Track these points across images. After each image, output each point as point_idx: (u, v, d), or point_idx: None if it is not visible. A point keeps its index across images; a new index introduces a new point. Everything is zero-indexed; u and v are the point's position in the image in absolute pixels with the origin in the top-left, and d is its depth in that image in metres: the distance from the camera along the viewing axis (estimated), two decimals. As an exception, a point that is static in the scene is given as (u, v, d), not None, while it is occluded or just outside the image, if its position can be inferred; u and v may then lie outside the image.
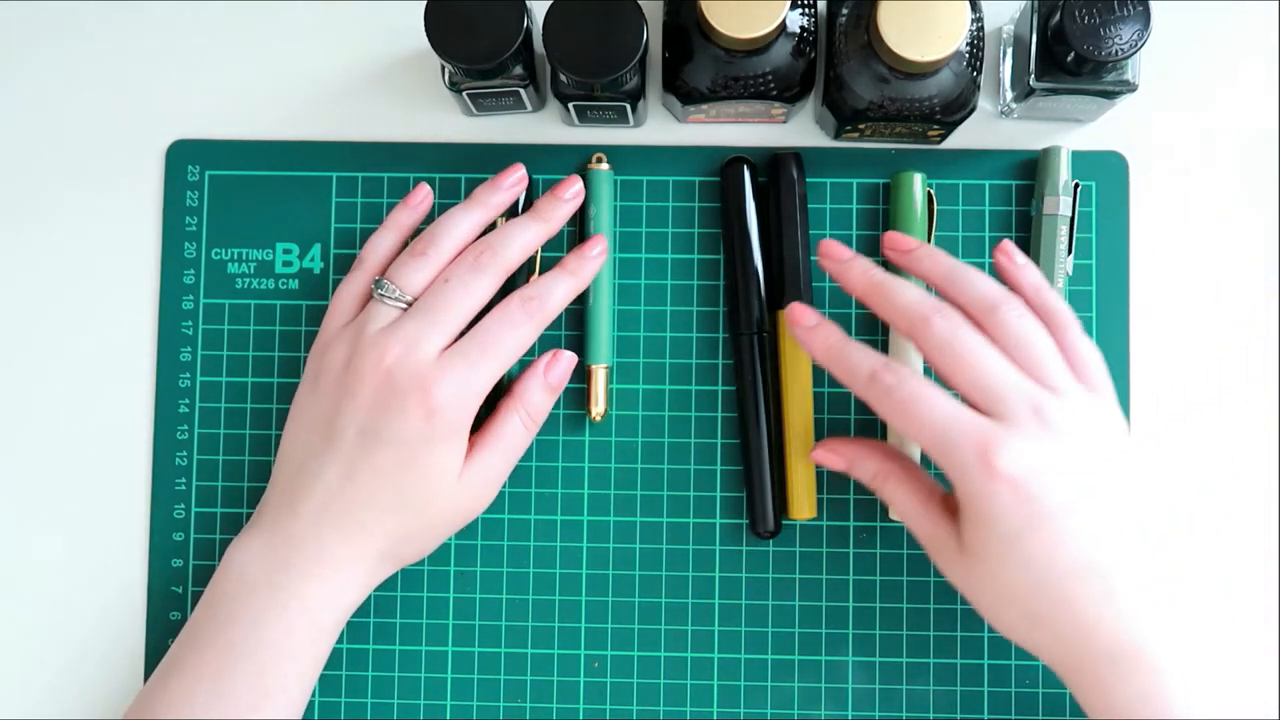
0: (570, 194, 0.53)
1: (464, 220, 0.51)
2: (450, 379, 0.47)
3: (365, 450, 0.47)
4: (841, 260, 0.50)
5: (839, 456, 0.50)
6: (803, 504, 0.53)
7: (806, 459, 0.53)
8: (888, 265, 0.53)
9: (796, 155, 0.54)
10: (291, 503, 0.48)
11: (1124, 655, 0.44)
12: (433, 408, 0.47)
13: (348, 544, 0.48)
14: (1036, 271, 0.50)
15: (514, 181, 0.53)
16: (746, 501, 0.54)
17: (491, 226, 0.53)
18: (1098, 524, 0.45)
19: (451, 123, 0.56)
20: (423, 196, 0.53)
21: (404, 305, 0.49)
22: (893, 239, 0.51)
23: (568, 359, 0.52)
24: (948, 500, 0.48)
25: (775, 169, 0.54)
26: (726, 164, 0.54)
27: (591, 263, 0.52)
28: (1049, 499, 0.44)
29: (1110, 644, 0.44)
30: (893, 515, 0.51)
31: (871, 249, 0.55)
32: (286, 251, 0.56)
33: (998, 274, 0.50)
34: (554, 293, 0.51)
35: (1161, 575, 0.45)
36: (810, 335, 0.50)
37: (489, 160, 0.56)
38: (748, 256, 0.53)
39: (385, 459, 0.47)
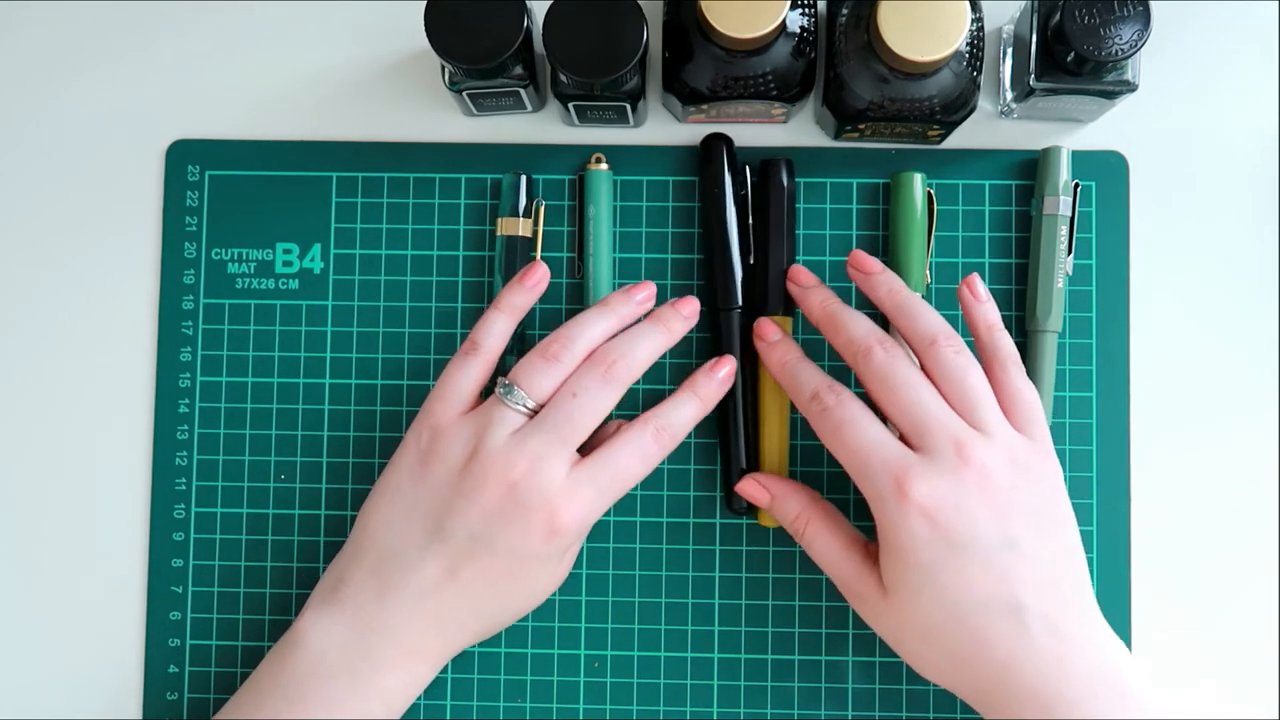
0: (688, 312, 0.52)
1: (595, 325, 0.50)
2: (578, 505, 0.47)
3: (474, 556, 0.47)
4: (804, 287, 0.52)
5: (764, 491, 0.51)
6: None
7: (780, 470, 0.54)
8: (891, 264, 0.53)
9: (788, 160, 0.54)
10: (381, 590, 0.47)
11: (1041, 696, 0.44)
12: (557, 529, 0.47)
13: (440, 638, 0.48)
14: (994, 310, 0.50)
15: (646, 297, 0.52)
16: (721, 476, 0.54)
17: None
18: (1013, 561, 0.45)
19: (451, 123, 0.56)
20: (539, 277, 0.51)
21: (527, 413, 0.48)
22: (858, 259, 0.52)
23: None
24: (869, 548, 0.49)
25: (765, 173, 0.54)
26: (706, 139, 0.54)
27: (718, 386, 0.51)
28: (962, 531, 0.45)
29: (1029, 684, 0.44)
30: (813, 558, 0.51)
31: (871, 249, 0.55)
32: (286, 251, 0.56)
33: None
34: (682, 419, 0.50)
35: (1086, 620, 0.46)
36: (769, 349, 0.52)
37: (489, 160, 0.56)
38: (725, 235, 0.53)
39: (495, 567, 0.47)
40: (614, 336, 0.51)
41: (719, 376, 0.51)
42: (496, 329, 0.50)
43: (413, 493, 0.48)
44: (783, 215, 0.54)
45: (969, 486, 0.45)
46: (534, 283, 0.51)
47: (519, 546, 0.47)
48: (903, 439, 0.47)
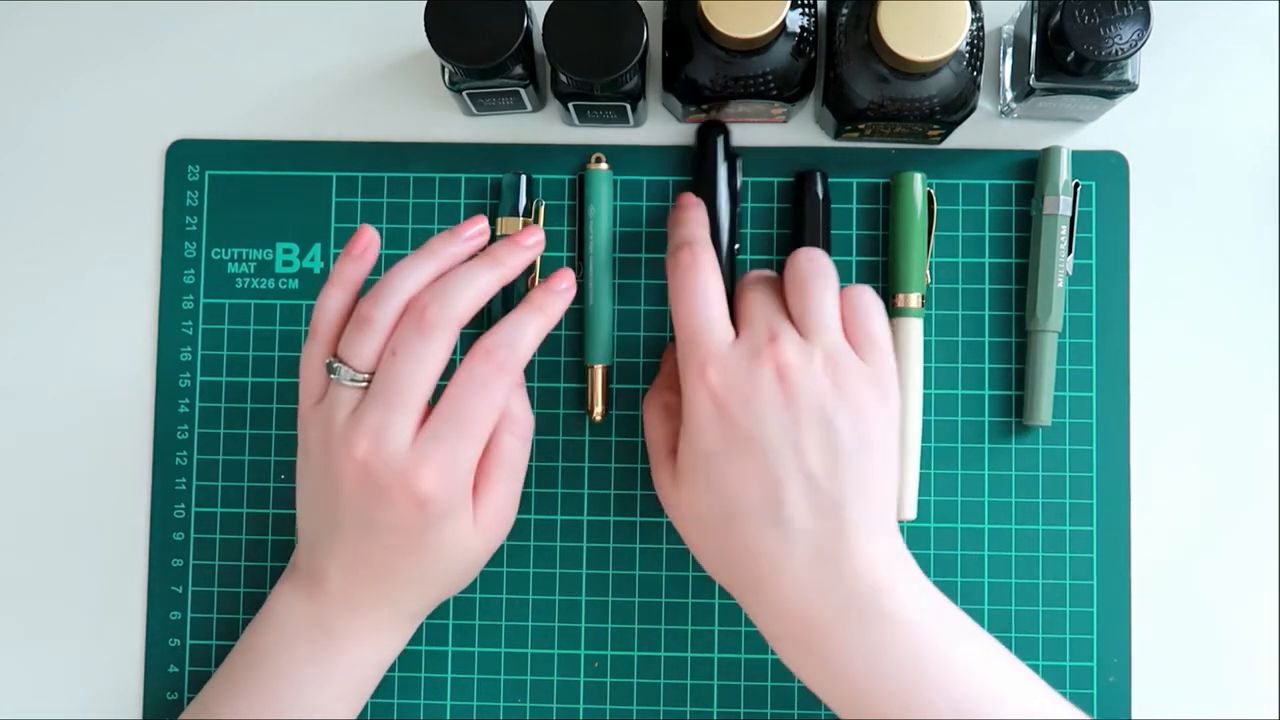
0: (532, 241, 0.48)
1: (412, 274, 0.46)
2: (431, 467, 0.44)
3: (369, 539, 0.46)
4: (682, 207, 0.51)
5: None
6: None
7: None
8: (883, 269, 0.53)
9: (822, 172, 0.54)
10: (320, 570, 0.47)
11: (797, 614, 0.44)
12: (421, 498, 0.44)
13: (376, 613, 0.47)
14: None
15: (475, 233, 0.47)
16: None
17: None
18: (791, 471, 0.43)
19: (451, 123, 0.56)
20: (366, 243, 0.47)
21: (362, 384, 0.45)
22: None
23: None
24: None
25: (800, 185, 0.54)
26: (702, 127, 0.54)
27: (561, 298, 0.47)
28: (744, 426, 0.44)
29: (785, 601, 0.44)
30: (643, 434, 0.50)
31: (871, 249, 0.55)
32: (286, 251, 0.56)
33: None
34: (524, 336, 0.46)
35: (861, 552, 0.44)
36: (679, 212, 0.50)
37: (489, 160, 0.56)
38: (715, 224, 0.52)
39: (391, 544, 0.46)
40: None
41: (560, 288, 0.47)
42: (330, 308, 0.46)
43: (306, 483, 0.48)
44: (818, 226, 0.54)
45: (764, 382, 0.44)
46: (361, 250, 0.47)
47: (398, 523, 0.45)
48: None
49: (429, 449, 0.44)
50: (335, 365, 0.45)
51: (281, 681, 0.47)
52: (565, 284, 0.48)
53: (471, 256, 0.47)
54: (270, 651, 0.48)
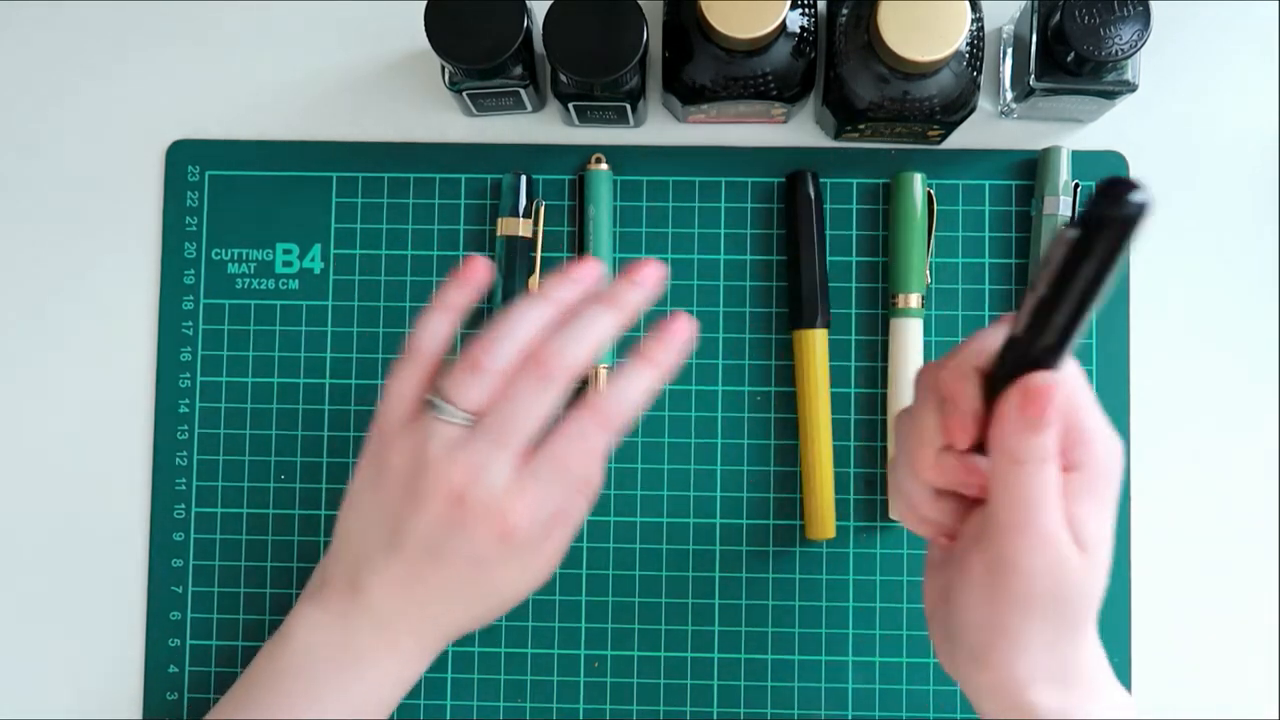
0: (647, 278, 0.46)
1: (527, 320, 0.45)
2: (525, 506, 0.45)
3: (431, 564, 0.46)
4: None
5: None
6: (827, 523, 0.54)
7: (820, 478, 0.53)
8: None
9: (813, 172, 0.54)
10: (355, 590, 0.47)
11: None
12: (508, 533, 0.45)
13: (417, 635, 0.47)
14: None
15: (588, 276, 0.47)
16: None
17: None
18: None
19: (451, 123, 0.56)
20: (480, 272, 0.47)
21: (466, 422, 0.45)
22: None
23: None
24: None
25: (792, 186, 0.54)
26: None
27: (676, 350, 0.45)
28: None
29: None
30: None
31: (871, 249, 0.55)
32: (286, 251, 0.56)
33: None
34: (632, 396, 0.45)
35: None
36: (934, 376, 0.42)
37: (489, 160, 0.56)
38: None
39: (453, 573, 0.46)
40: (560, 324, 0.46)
41: (677, 338, 0.46)
42: (433, 332, 0.47)
43: (371, 499, 0.47)
44: (812, 227, 0.54)
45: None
46: (473, 278, 0.47)
47: (472, 553, 0.45)
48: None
49: (528, 487, 0.45)
50: (440, 404, 0.45)
51: (302, 703, 0.46)
52: (682, 332, 0.46)
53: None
54: (290, 673, 0.47)
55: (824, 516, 0.53)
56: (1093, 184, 0.55)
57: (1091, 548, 0.40)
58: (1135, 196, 0.32)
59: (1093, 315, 0.35)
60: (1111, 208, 0.33)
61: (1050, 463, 0.38)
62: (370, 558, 0.47)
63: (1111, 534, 0.41)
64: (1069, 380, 0.39)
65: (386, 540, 0.46)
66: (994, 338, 0.39)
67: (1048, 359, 0.37)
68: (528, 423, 0.45)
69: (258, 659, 0.48)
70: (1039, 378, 0.37)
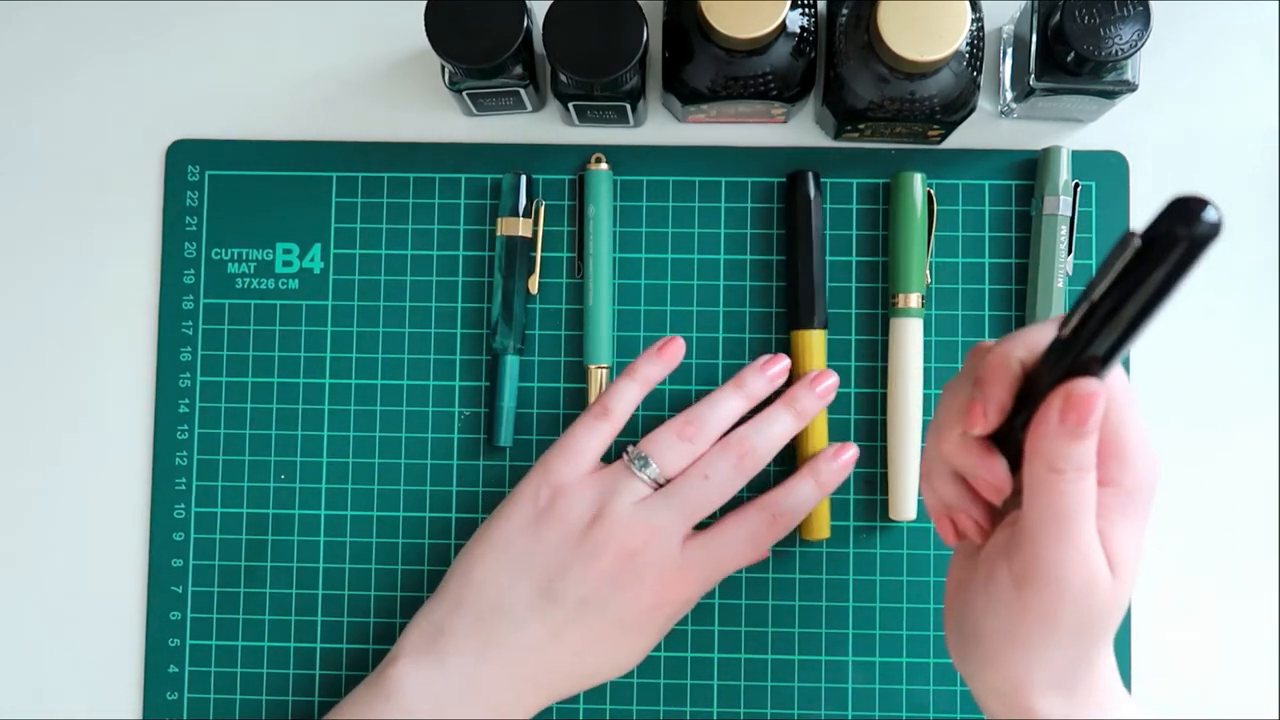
0: (823, 388, 0.52)
1: (727, 406, 0.50)
2: (689, 580, 0.48)
3: (582, 620, 0.47)
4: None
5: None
6: (822, 524, 0.54)
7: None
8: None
9: (815, 172, 0.54)
10: (484, 646, 0.47)
11: None
12: (664, 602, 0.47)
13: (524, 700, 0.48)
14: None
15: (777, 373, 0.52)
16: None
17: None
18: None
19: (451, 123, 0.56)
20: (675, 350, 0.51)
21: (656, 484, 0.49)
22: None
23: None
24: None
25: (792, 186, 0.54)
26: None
27: (839, 471, 0.52)
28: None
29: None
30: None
31: (871, 249, 0.55)
32: (286, 251, 0.56)
33: None
34: (800, 506, 0.51)
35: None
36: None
37: (489, 160, 0.56)
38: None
39: (598, 632, 0.47)
40: (746, 417, 0.51)
41: (842, 460, 0.52)
42: (627, 397, 0.50)
43: (526, 549, 0.47)
44: (810, 227, 0.54)
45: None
46: (669, 355, 0.51)
47: (625, 614, 0.47)
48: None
49: (696, 564, 0.48)
50: (644, 459, 0.49)
51: None
52: (847, 455, 0.52)
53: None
54: None
55: (819, 517, 0.53)
56: (1093, 184, 0.55)
57: (1121, 569, 0.38)
58: (1209, 215, 0.31)
59: (1145, 331, 0.34)
60: (1184, 225, 0.31)
61: (1089, 473, 0.37)
62: (511, 609, 0.47)
63: (1141, 556, 0.39)
64: (1114, 389, 0.38)
65: (540, 590, 0.47)
66: (1045, 333, 0.38)
67: (1094, 367, 0.35)
68: (714, 502, 0.49)
69: (355, 704, 0.47)
70: (1084, 384, 0.36)
